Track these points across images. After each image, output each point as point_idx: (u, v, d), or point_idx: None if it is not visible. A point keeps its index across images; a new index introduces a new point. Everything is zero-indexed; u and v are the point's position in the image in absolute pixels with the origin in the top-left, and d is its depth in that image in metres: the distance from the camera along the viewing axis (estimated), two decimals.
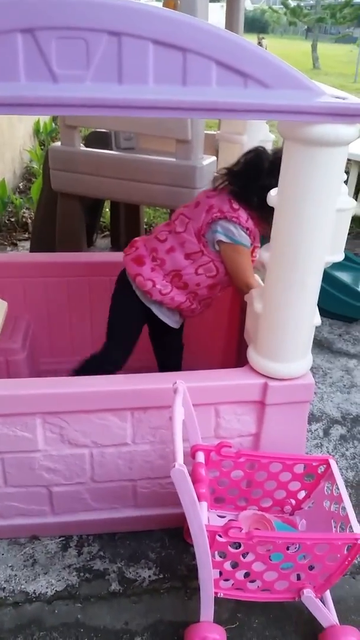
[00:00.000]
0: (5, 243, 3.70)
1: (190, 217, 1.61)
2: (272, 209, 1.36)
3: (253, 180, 1.55)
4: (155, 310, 1.69)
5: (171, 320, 1.72)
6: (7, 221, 3.95)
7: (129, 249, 1.70)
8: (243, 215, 1.58)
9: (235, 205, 1.58)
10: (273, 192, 1.28)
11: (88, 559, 1.56)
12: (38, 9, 1.01)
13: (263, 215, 1.54)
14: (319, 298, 1.35)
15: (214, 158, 2.53)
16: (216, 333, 2.09)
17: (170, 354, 1.89)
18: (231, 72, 1.08)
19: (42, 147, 5.75)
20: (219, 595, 1.28)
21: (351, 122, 1.11)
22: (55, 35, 1.03)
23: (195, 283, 1.63)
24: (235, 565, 1.26)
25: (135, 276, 1.64)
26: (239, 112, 1.10)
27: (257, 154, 1.61)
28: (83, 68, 1.05)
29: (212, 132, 2.97)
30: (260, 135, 1.80)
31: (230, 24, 2.99)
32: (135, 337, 1.78)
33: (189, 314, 1.74)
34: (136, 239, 1.73)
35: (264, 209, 1.43)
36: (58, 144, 2.70)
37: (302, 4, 16.88)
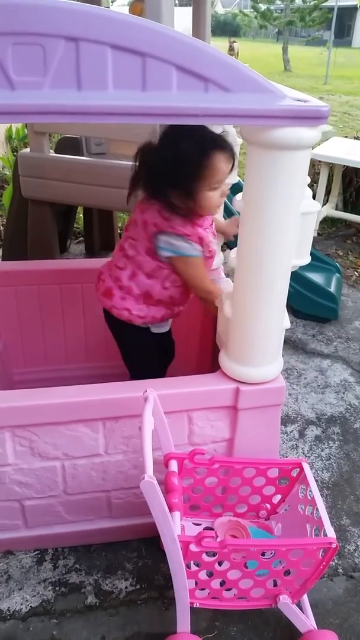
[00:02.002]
0: None
1: (135, 238, 1.55)
2: (197, 194, 1.42)
3: (158, 183, 1.44)
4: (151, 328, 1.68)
5: (165, 327, 1.72)
6: None
7: (97, 283, 1.67)
8: (177, 222, 1.47)
9: (166, 214, 1.47)
10: (238, 197, 1.28)
11: (64, 572, 1.54)
12: None
13: (196, 206, 1.45)
14: (292, 299, 1.35)
15: None
16: (190, 338, 2.08)
17: (168, 353, 1.89)
18: (191, 77, 1.07)
19: (15, 153, 5.69)
20: (195, 605, 1.27)
21: (313, 125, 1.11)
22: (11, 41, 1.01)
23: (167, 297, 1.60)
24: (210, 574, 1.25)
25: (111, 309, 1.62)
26: (199, 116, 1.09)
27: (141, 153, 1.49)
28: (40, 74, 1.03)
29: None
30: (228, 139, 1.79)
31: (197, 28, 2.99)
32: (155, 357, 1.75)
33: (177, 316, 1.72)
34: (101, 269, 1.68)
35: (190, 198, 1.43)
36: (27, 150, 2.67)
37: (272, 7, 17.05)
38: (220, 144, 1.42)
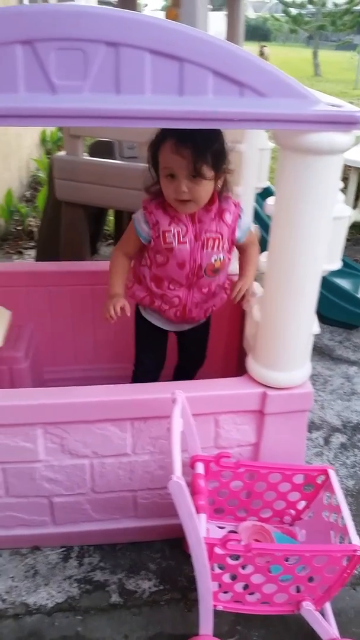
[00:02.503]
0: (12, 251, 3.72)
1: None
2: (160, 179, 1.42)
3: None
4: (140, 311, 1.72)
5: (160, 322, 1.71)
6: (13, 230, 3.97)
7: None
8: (146, 199, 1.55)
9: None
10: (269, 201, 1.28)
11: (89, 570, 1.56)
12: (38, 21, 1.01)
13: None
14: (320, 305, 1.34)
15: None
16: (216, 341, 2.08)
17: (187, 360, 1.88)
18: (227, 82, 1.08)
19: (49, 156, 5.79)
20: (218, 608, 1.27)
21: (346, 130, 1.11)
22: (54, 46, 1.03)
23: (142, 275, 1.62)
24: (234, 578, 1.25)
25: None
26: (235, 121, 1.10)
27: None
28: (81, 79, 1.06)
29: None
30: (258, 143, 1.80)
31: (231, 32, 3.01)
32: (144, 344, 1.77)
33: (161, 313, 1.68)
34: None
35: (158, 181, 1.46)
36: (62, 153, 2.72)
37: (303, 12, 16.94)
38: (170, 134, 1.39)
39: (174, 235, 1.50)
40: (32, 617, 1.44)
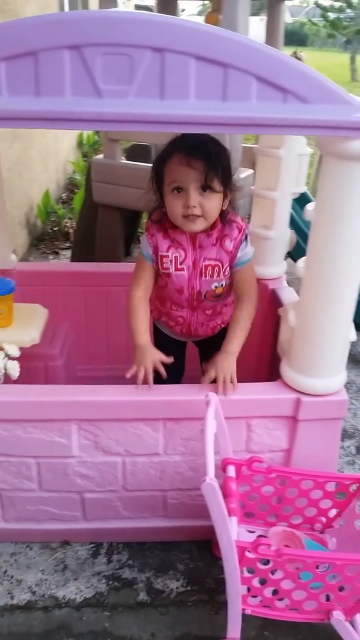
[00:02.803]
0: (48, 251, 3.79)
1: None
2: (164, 197, 1.37)
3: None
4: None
5: (172, 334, 1.68)
6: (50, 230, 4.05)
7: None
8: (148, 222, 1.50)
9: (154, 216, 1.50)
10: (309, 207, 1.28)
11: (117, 567, 1.57)
12: (85, 26, 1.04)
13: (167, 210, 1.41)
14: (355, 313, 1.33)
15: (251, 171, 2.54)
16: (248, 345, 2.08)
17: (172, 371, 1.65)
18: (271, 88, 1.09)
19: (85, 159, 5.88)
20: (246, 612, 1.27)
21: None
22: (101, 51, 1.06)
23: (155, 295, 1.60)
24: (263, 582, 1.25)
25: None
26: (278, 127, 1.11)
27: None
28: (126, 84, 1.08)
29: (249, 145, 2.98)
30: (297, 149, 1.79)
31: (270, 37, 3.01)
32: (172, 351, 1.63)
33: (166, 327, 1.66)
34: None
35: (162, 200, 1.41)
36: (100, 156, 2.76)
37: (341, 16, 16.73)
38: (179, 145, 1.36)
39: (171, 261, 1.47)
40: (61, 611, 1.46)
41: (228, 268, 1.48)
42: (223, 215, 1.43)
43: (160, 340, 1.69)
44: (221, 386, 1.40)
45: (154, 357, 1.44)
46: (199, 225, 1.39)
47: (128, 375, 1.42)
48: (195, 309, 1.56)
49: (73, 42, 1.05)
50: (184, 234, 1.45)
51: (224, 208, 1.42)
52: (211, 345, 1.62)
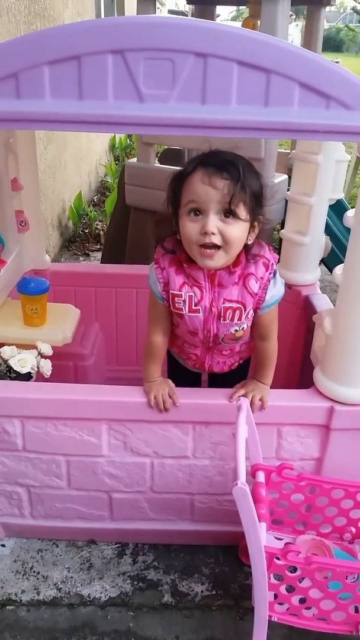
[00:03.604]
0: (79, 253, 3.84)
1: None
2: (179, 218, 1.20)
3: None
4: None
5: (185, 364, 1.54)
6: (81, 232, 4.10)
7: None
8: (159, 251, 1.31)
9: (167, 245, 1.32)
10: (350, 214, 1.27)
11: (142, 568, 1.58)
12: (129, 31, 1.05)
13: (180, 234, 1.23)
14: None
15: (285, 176, 2.53)
16: (280, 354, 2.07)
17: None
18: (313, 94, 1.08)
19: (117, 162, 5.94)
20: (273, 619, 1.26)
21: None
22: (144, 56, 1.07)
23: (172, 330, 1.43)
24: (291, 590, 1.24)
25: None
26: (320, 133, 1.10)
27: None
28: (169, 88, 1.08)
29: (284, 151, 2.97)
30: (336, 155, 1.78)
31: (308, 43, 3.00)
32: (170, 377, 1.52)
33: (179, 358, 1.54)
34: None
35: (176, 222, 1.24)
36: (134, 160, 2.78)
37: None
38: (203, 160, 1.20)
39: (184, 301, 1.27)
40: (86, 609, 1.48)
41: (252, 312, 1.29)
42: (248, 248, 1.25)
43: (172, 364, 1.57)
44: (249, 403, 1.32)
45: (167, 385, 1.39)
46: (218, 260, 1.19)
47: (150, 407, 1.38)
48: (211, 349, 1.40)
49: (116, 47, 1.07)
50: (201, 269, 1.25)
51: (249, 242, 1.24)
52: (227, 380, 1.48)
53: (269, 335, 1.38)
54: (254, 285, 1.26)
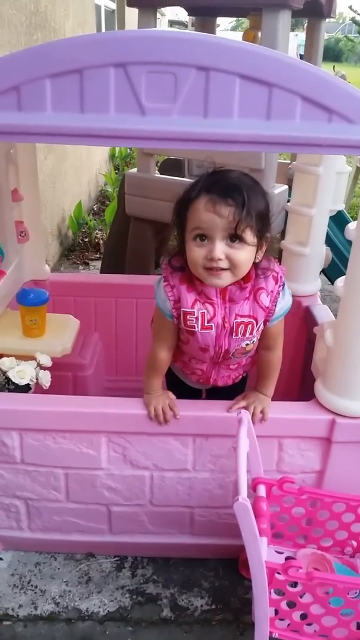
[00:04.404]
0: (78, 262, 3.84)
1: None
2: (185, 242, 1.19)
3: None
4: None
5: (186, 380, 1.54)
6: (80, 241, 4.10)
7: None
8: (167, 269, 1.30)
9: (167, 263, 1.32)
10: (351, 226, 1.27)
11: (141, 581, 1.56)
12: (131, 45, 1.05)
13: (187, 257, 1.22)
14: None
15: (285, 187, 2.54)
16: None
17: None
18: (316, 107, 1.09)
19: (117, 171, 5.96)
20: (273, 635, 1.25)
21: None
22: (146, 69, 1.07)
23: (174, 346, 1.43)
24: (292, 605, 1.22)
25: None
26: (322, 147, 1.10)
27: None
28: (170, 102, 1.09)
29: (284, 161, 2.98)
30: (336, 167, 1.79)
31: (309, 54, 3.02)
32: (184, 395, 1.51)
33: (181, 373, 1.53)
34: None
35: (182, 245, 1.23)
36: (134, 170, 2.79)
37: None
38: (207, 185, 1.18)
39: (197, 318, 1.27)
40: (84, 623, 1.46)
41: (262, 325, 1.31)
42: (257, 263, 1.25)
43: (173, 384, 1.55)
44: (249, 416, 1.32)
45: (167, 397, 1.38)
46: (225, 280, 1.20)
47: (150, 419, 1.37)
48: (219, 364, 1.40)
49: (118, 60, 1.07)
50: (207, 288, 1.26)
51: (257, 261, 1.24)
52: (226, 393, 1.48)
53: (275, 346, 1.39)
54: (265, 299, 1.27)
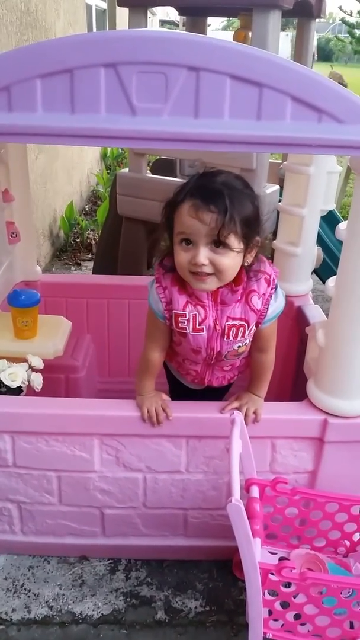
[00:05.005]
0: (70, 262, 3.83)
1: None
2: (174, 245, 1.20)
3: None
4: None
5: (182, 379, 1.54)
6: (72, 241, 4.08)
7: None
8: (159, 270, 1.30)
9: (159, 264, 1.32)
10: (342, 226, 1.27)
11: (135, 584, 1.56)
12: (122, 45, 1.05)
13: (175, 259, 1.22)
14: None
15: (277, 187, 2.54)
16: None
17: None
18: (306, 108, 1.09)
19: (109, 171, 5.94)
20: (267, 636, 1.25)
21: None
22: (137, 69, 1.06)
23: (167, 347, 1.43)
24: (285, 606, 1.22)
25: None
26: (312, 147, 1.10)
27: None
28: (161, 102, 1.08)
29: (275, 161, 2.98)
30: (327, 166, 1.79)
31: (299, 54, 3.02)
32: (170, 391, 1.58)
33: (177, 373, 1.53)
34: None
35: (172, 247, 1.23)
36: (126, 170, 2.78)
37: None
38: (192, 190, 1.18)
39: (188, 320, 1.27)
40: (77, 627, 1.45)
41: (254, 328, 1.30)
42: (248, 266, 1.24)
43: (171, 382, 1.56)
44: (242, 417, 1.32)
45: (160, 398, 1.38)
46: (209, 284, 1.20)
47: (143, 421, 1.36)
48: (212, 366, 1.40)
49: (109, 61, 1.06)
50: (198, 291, 1.26)
51: (247, 264, 1.23)
52: (223, 393, 1.49)
53: (268, 348, 1.39)
54: (256, 302, 1.26)
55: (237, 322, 1.27)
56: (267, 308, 1.28)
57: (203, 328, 1.28)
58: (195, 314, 1.27)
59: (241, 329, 1.28)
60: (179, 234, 1.19)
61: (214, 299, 1.27)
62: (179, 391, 1.51)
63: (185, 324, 1.28)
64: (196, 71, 1.07)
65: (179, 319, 1.28)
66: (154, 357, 1.40)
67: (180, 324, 1.29)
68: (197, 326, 1.28)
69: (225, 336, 1.29)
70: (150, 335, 1.39)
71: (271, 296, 1.27)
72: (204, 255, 1.16)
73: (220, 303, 1.27)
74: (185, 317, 1.27)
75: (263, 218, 1.22)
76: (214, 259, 1.16)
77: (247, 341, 1.33)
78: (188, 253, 1.18)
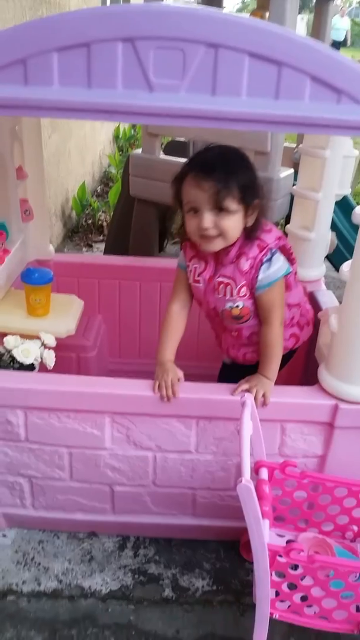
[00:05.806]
0: (82, 244, 3.82)
1: None
2: (184, 214, 1.34)
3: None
4: None
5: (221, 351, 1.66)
6: (84, 223, 4.07)
7: None
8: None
9: None
10: (358, 210, 1.26)
11: (143, 561, 1.58)
12: (140, 19, 1.03)
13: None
14: None
15: (291, 170, 2.51)
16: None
17: None
18: (325, 88, 1.06)
19: (121, 152, 5.90)
20: (274, 616, 1.26)
21: None
22: (155, 45, 1.04)
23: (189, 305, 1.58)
24: (293, 587, 1.23)
25: None
26: (331, 127, 1.08)
27: None
28: (179, 78, 1.06)
29: (290, 145, 2.94)
30: (343, 150, 1.76)
31: (316, 37, 2.96)
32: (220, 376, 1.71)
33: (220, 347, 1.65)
34: None
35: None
36: (139, 151, 2.76)
37: None
38: (192, 164, 1.33)
39: (191, 271, 1.47)
40: (86, 601, 1.48)
41: (245, 289, 1.39)
42: (252, 229, 1.36)
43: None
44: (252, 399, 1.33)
45: (175, 374, 1.40)
46: (217, 244, 1.35)
47: (154, 392, 1.39)
48: (224, 329, 1.54)
49: (127, 35, 1.04)
50: (201, 251, 1.42)
51: (248, 225, 1.35)
52: (240, 373, 1.49)
53: (269, 319, 1.43)
54: (243, 264, 1.37)
55: (225, 280, 1.40)
56: (257, 272, 1.36)
57: (199, 280, 1.45)
58: (197, 267, 1.45)
59: (229, 287, 1.40)
60: (186, 204, 1.33)
61: (215, 257, 1.42)
62: (222, 367, 1.68)
63: (190, 275, 1.48)
64: (215, 48, 1.05)
65: (188, 268, 1.48)
66: (173, 309, 1.52)
67: (194, 275, 1.47)
68: (196, 277, 1.46)
69: (216, 292, 1.43)
70: (174, 288, 1.54)
71: (261, 261, 1.36)
72: (208, 219, 1.30)
73: (219, 262, 1.41)
74: (189, 268, 1.47)
75: (260, 183, 1.35)
76: (217, 222, 1.30)
77: (240, 304, 1.42)
78: (195, 220, 1.32)
